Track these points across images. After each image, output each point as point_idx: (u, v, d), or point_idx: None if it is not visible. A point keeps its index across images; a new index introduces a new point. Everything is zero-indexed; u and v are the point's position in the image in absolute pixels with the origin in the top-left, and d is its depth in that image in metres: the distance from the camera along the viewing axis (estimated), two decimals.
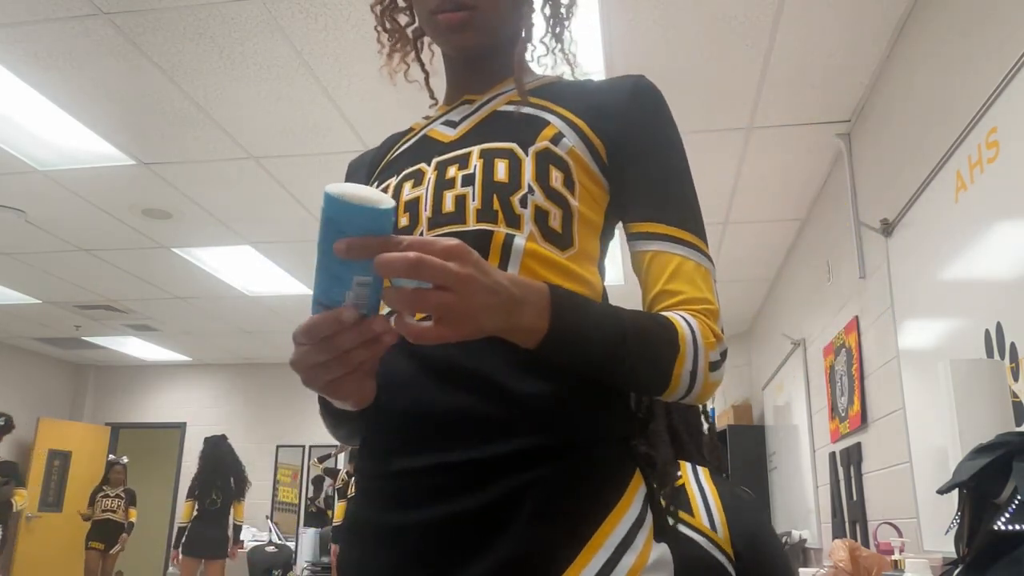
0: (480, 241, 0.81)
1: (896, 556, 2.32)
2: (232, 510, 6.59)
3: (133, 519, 7.70)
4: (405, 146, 0.99)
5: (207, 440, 6.85)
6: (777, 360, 5.46)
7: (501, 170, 0.84)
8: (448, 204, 0.84)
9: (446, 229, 0.83)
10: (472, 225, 0.82)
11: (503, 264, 0.81)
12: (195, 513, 6.44)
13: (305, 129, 3.70)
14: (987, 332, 2.13)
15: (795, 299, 5.02)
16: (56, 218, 4.81)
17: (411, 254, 0.60)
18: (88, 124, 3.67)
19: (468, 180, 0.85)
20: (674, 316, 0.82)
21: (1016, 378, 1.95)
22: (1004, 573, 1.21)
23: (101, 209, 4.65)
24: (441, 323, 0.64)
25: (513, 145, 0.86)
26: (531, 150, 0.85)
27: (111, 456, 8.02)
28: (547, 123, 0.88)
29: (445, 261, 0.62)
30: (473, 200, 0.84)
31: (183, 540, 6.41)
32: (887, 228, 2.99)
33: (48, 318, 7.21)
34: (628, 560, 0.75)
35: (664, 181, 0.89)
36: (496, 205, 0.83)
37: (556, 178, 0.84)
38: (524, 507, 0.75)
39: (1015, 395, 1.92)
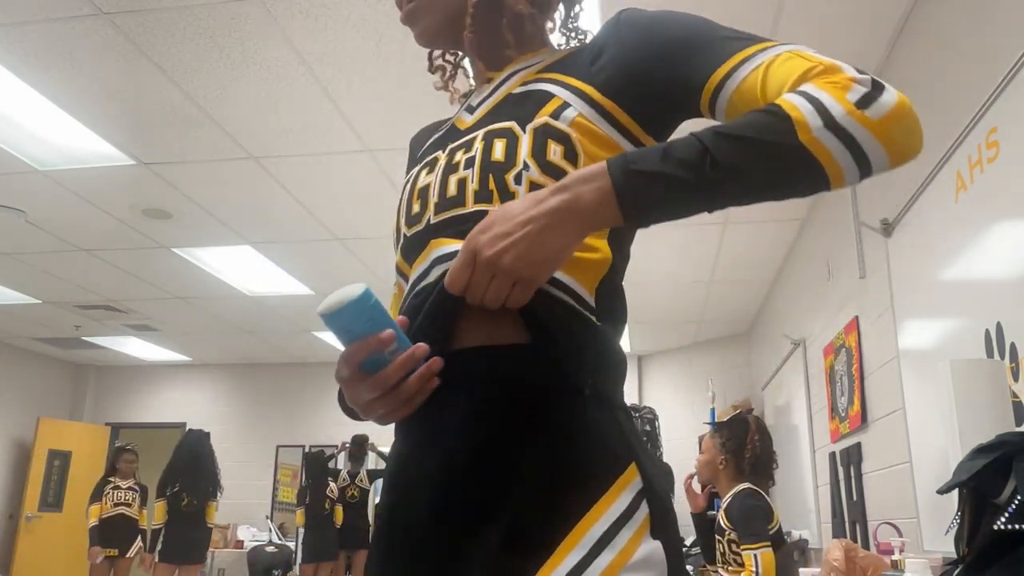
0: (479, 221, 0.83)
1: (896, 556, 2.32)
2: (205, 511, 6.01)
3: (145, 524, 6.35)
4: (436, 136, 1.02)
5: (191, 433, 6.26)
6: (777, 360, 5.46)
7: (499, 149, 0.85)
8: (452, 188, 0.87)
9: (449, 212, 0.86)
10: (471, 207, 0.85)
11: None
12: (167, 515, 5.81)
13: (305, 129, 3.70)
14: (987, 332, 2.13)
15: (795, 299, 5.03)
16: (56, 218, 4.81)
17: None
18: (88, 124, 3.67)
19: (469, 163, 0.86)
20: (777, 99, 0.76)
21: (1016, 378, 1.95)
22: (1004, 573, 1.21)
23: (101, 209, 4.65)
24: (515, 287, 0.75)
25: (512, 124, 0.86)
26: (529, 127, 0.85)
27: (119, 442, 6.97)
28: (551, 96, 0.87)
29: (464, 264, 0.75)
30: (472, 182, 0.85)
31: (161, 545, 5.76)
32: (887, 228, 2.99)
33: (48, 318, 7.20)
34: (605, 559, 0.72)
35: (692, 46, 0.85)
36: (492, 185, 0.84)
37: (555, 152, 0.83)
38: (510, 498, 0.76)
39: (1015, 395, 1.92)
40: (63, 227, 4.96)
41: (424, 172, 0.93)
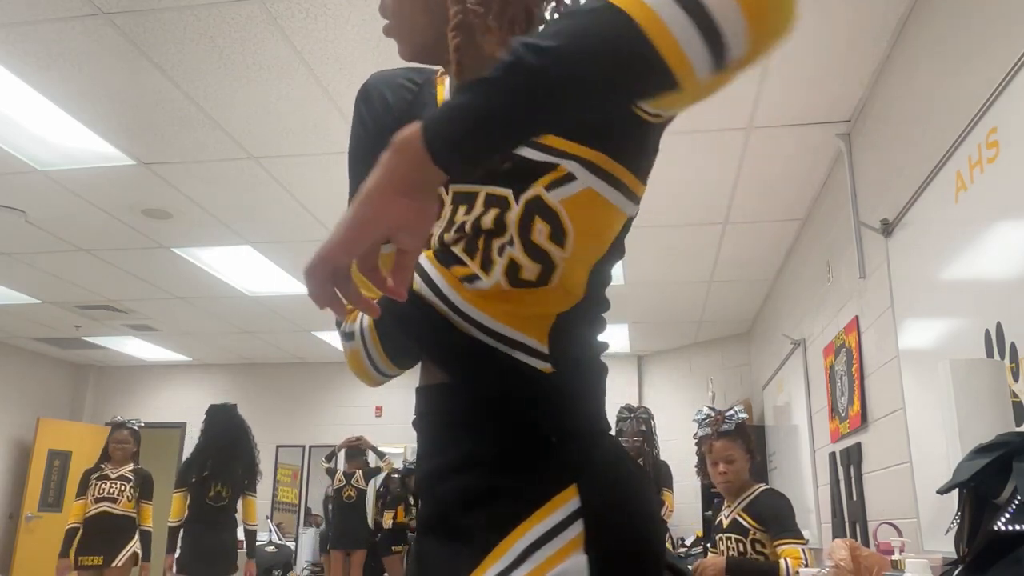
0: (449, 264, 0.86)
1: (896, 556, 2.31)
2: (241, 507, 4.82)
3: (149, 524, 5.00)
4: None
5: (215, 408, 4.99)
6: (777, 360, 5.46)
7: (489, 218, 0.83)
8: (449, 240, 0.88)
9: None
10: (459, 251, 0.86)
11: (468, 280, 0.84)
12: (188, 511, 4.64)
13: (305, 129, 3.70)
14: (987, 332, 2.13)
15: (795, 299, 5.02)
16: (56, 218, 4.81)
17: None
18: (88, 124, 3.67)
19: (460, 229, 0.86)
20: None
21: (1016, 378, 1.95)
22: (1004, 573, 1.21)
23: (101, 209, 4.65)
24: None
25: (508, 193, 0.83)
26: (522, 198, 0.82)
27: (117, 417, 5.29)
28: (554, 167, 0.81)
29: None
30: (462, 242, 0.86)
31: (177, 550, 4.60)
32: (887, 228, 2.99)
33: (48, 318, 7.20)
34: (523, 570, 0.77)
35: None
36: (479, 243, 0.84)
37: (540, 231, 0.81)
38: (454, 512, 0.85)
39: (1015, 395, 1.92)
40: (63, 227, 4.96)
41: None
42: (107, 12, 2.88)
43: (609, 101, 0.68)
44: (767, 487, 3.07)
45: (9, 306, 6.81)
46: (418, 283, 0.88)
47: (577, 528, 0.79)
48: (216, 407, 4.99)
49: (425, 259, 0.88)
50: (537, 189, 0.81)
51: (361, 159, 0.99)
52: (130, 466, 5.03)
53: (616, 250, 0.88)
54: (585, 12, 0.64)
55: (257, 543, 7.32)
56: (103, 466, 5.01)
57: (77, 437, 8.81)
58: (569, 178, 0.81)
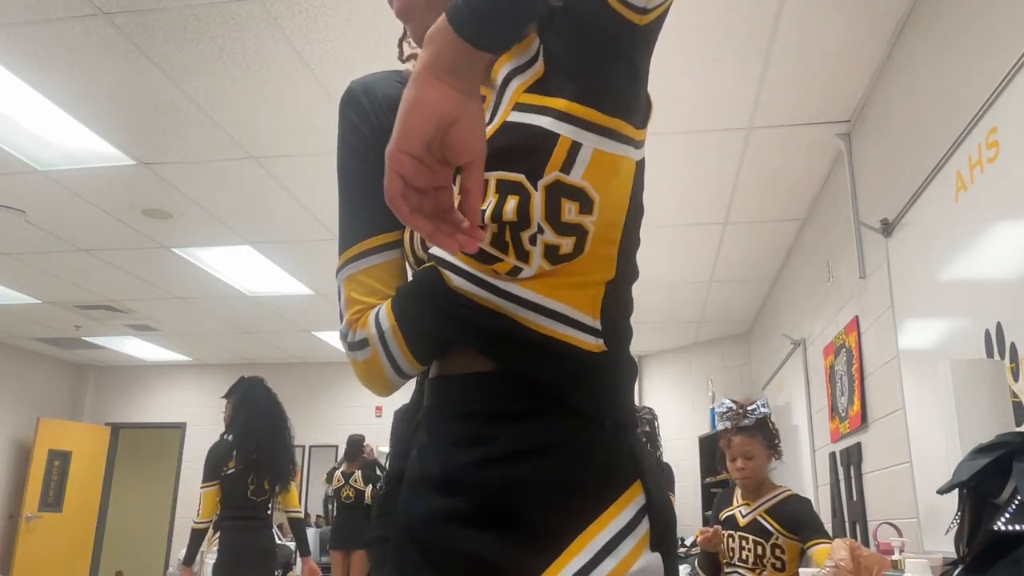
0: (489, 262, 0.83)
1: (896, 556, 2.31)
2: (280, 499, 4.15)
3: None
4: None
5: (250, 383, 4.37)
6: (777, 360, 5.46)
7: (510, 208, 0.79)
8: None
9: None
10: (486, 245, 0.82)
11: (512, 274, 0.82)
12: (219, 509, 3.89)
13: (305, 129, 3.70)
14: (987, 332, 2.13)
15: (795, 299, 5.03)
16: (56, 218, 4.81)
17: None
18: (88, 124, 3.67)
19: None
20: None
21: (1016, 378, 1.95)
22: (1004, 573, 1.21)
23: (101, 209, 4.65)
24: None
25: (522, 178, 0.79)
26: (540, 184, 0.79)
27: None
28: (556, 138, 0.79)
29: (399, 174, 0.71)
30: (489, 242, 0.81)
31: (217, 556, 3.79)
32: (887, 228, 2.99)
33: (48, 318, 7.20)
34: (608, 565, 0.77)
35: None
36: (507, 237, 0.80)
37: (569, 210, 0.79)
38: (517, 504, 0.80)
39: (1015, 395, 1.92)
40: (63, 227, 4.96)
41: None
42: (107, 12, 2.88)
43: None
44: (792, 492, 2.95)
45: (9, 306, 6.81)
46: (456, 280, 0.84)
47: (645, 525, 0.80)
48: (248, 380, 4.35)
49: (455, 259, 0.84)
50: (554, 175, 0.79)
51: (366, 160, 0.97)
52: None
53: (636, 204, 0.89)
54: None
55: None
56: None
57: (77, 437, 8.82)
58: (576, 148, 0.79)
